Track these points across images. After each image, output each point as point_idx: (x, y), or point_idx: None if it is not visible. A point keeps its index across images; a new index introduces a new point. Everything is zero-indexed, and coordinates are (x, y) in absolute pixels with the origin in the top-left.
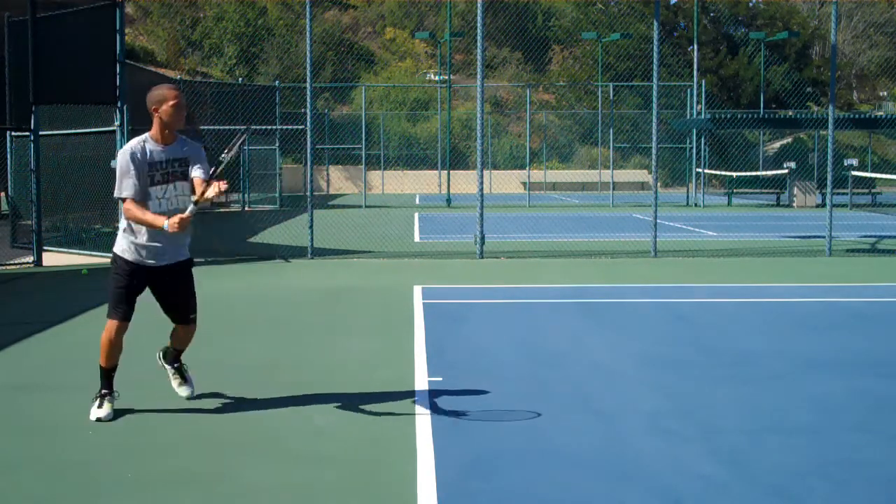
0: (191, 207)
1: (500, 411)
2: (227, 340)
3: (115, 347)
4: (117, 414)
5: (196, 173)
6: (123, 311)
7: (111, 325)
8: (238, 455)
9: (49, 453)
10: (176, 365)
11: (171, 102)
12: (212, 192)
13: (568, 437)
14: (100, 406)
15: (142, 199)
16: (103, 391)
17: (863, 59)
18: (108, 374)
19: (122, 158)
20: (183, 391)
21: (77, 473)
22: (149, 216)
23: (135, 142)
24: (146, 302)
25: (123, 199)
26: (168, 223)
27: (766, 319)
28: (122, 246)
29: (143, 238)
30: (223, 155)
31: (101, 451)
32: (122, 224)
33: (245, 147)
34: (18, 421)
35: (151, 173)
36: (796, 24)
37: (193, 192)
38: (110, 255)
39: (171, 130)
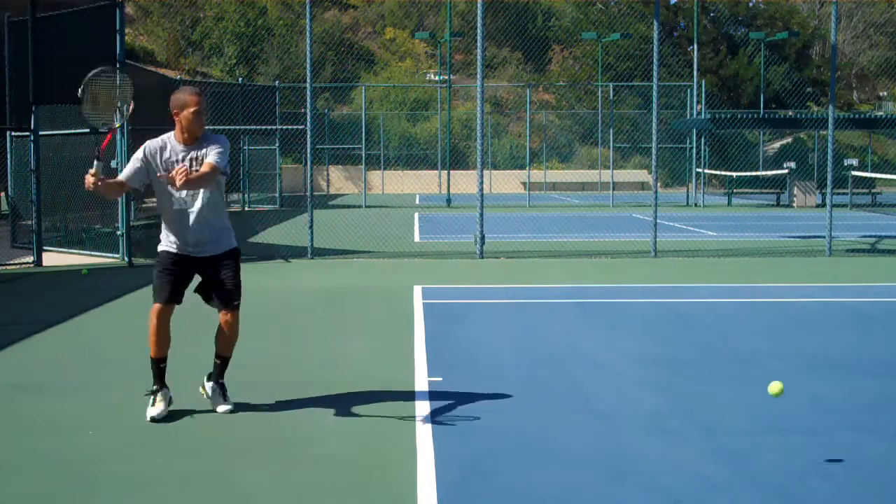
0: (96, 164)
1: (500, 411)
2: None
3: (160, 333)
4: (115, 413)
5: (209, 158)
6: (164, 296)
7: (153, 308)
8: (238, 455)
9: (49, 453)
10: (221, 382)
11: (191, 109)
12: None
13: (568, 437)
14: (153, 404)
15: (162, 198)
16: (154, 386)
17: (863, 59)
18: (158, 366)
19: (139, 150)
20: (224, 408)
21: (77, 473)
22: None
23: (158, 139)
24: (145, 304)
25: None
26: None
27: (766, 319)
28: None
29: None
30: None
31: (101, 451)
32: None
33: (245, 147)
34: (18, 421)
35: (168, 170)
36: (796, 24)
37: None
38: (110, 255)
39: (190, 135)
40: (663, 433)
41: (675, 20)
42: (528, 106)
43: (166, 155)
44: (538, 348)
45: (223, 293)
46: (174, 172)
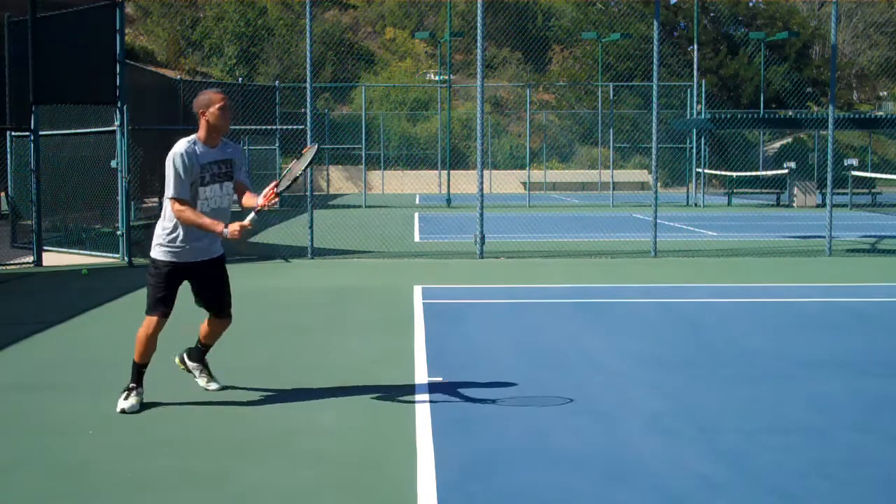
0: (252, 216)
1: (500, 411)
2: (227, 340)
3: (151, 343)
4: (115, 413)
5: (243, 178)
6: (162, 310)
7: (149, 321)
8: (238, 455)
9: (49, 453)
10: (204, 362)
11: (217, 105)
12: (261, 200)
13: (568, 437)
14: (126, 398)
15: (190, 199)
16: (132, 384)
17: (863, 59)
18: (140, 370)
19: (174, 159)
20: (213, 385)
21: (77, 473)
22: (205, 220)
23: (184, 143)
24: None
25: (174, 200)
26: (228, 230)
27: (766, 319)
28: (160, 247)
29: (182, 237)
30: (295, 169)
31: (101, 451)
32: (163, 224)
33: (245, 147)
34: (18, 421)
35: (202, 174)
36: (796, 24)
37: (238, 197)
38: (110, 255)
39: (218, 133)
40: (663, 433)
41: (675, 20)
42: (528, 106)
43: (198, 158)
44: (538, 348)
45: (217, 300)
46: (236, 228)
